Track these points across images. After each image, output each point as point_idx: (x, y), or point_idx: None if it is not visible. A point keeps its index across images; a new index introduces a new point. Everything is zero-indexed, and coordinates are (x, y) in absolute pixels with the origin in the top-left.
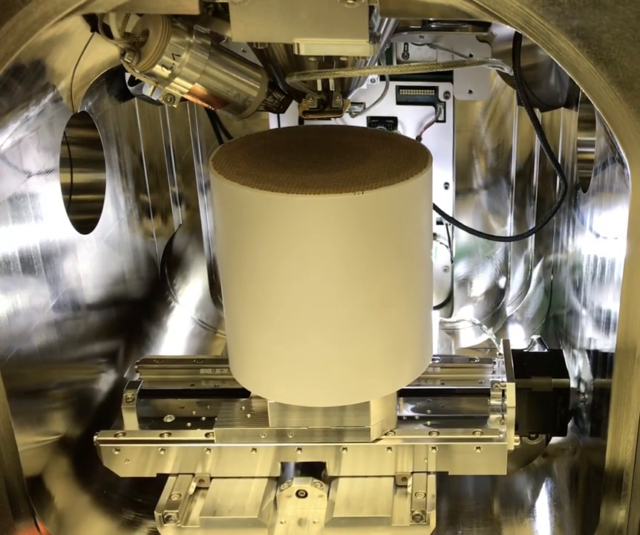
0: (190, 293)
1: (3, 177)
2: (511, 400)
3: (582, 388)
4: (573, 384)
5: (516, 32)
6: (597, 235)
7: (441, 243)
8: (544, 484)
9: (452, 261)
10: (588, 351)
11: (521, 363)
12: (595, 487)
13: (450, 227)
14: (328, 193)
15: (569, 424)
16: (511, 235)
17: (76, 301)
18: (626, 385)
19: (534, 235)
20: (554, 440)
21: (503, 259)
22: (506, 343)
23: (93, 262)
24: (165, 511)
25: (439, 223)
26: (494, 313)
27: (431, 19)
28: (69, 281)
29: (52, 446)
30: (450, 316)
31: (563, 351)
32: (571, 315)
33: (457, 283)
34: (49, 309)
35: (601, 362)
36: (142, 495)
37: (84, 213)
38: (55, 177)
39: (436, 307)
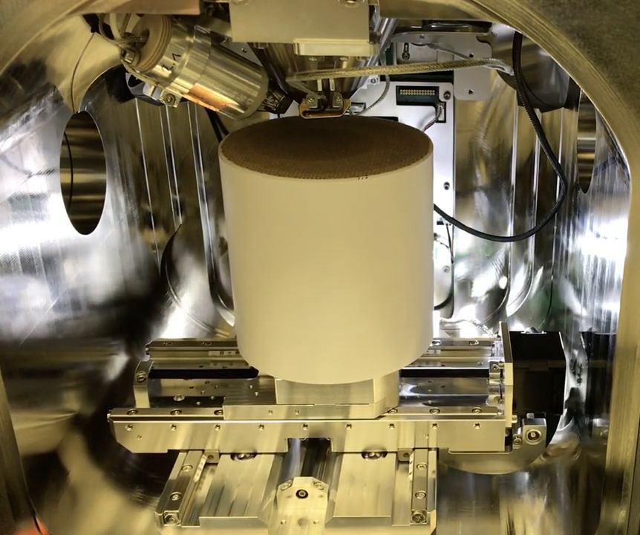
0: (190, 293)
1: (3, 178)
2: (509, 379)
3: (582, 387)
4: (574, 385)
5: (516, 32)
6: (597, 235)
7: (441, 243)
8: (544, 484)
9: (452, 262)
10: (588, 351)
11: (519, 345)
12: (595, 487)
13: (450, 227)
14: (333, 178)
15: (570, 424)
16: (512, 235)
17: (77, 301)
18: (626, 385)
19: (534, 235)
20: (554, 440)
21: (504, 259)
22: (504, 325)
23: (93, 262)
24: (166, 511)
25: (439, 223)
26: (494, 314)
27: (431, 19)
28: (69, 281)
29: (53, 447)
30: (450, 316)
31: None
32: (571, 315)
33: (458, 283)
34: (49, 309)
35: (601, 362)
36: (152, 473)
37: (84, 213)
38: (55, 178)
39: (437, 308)
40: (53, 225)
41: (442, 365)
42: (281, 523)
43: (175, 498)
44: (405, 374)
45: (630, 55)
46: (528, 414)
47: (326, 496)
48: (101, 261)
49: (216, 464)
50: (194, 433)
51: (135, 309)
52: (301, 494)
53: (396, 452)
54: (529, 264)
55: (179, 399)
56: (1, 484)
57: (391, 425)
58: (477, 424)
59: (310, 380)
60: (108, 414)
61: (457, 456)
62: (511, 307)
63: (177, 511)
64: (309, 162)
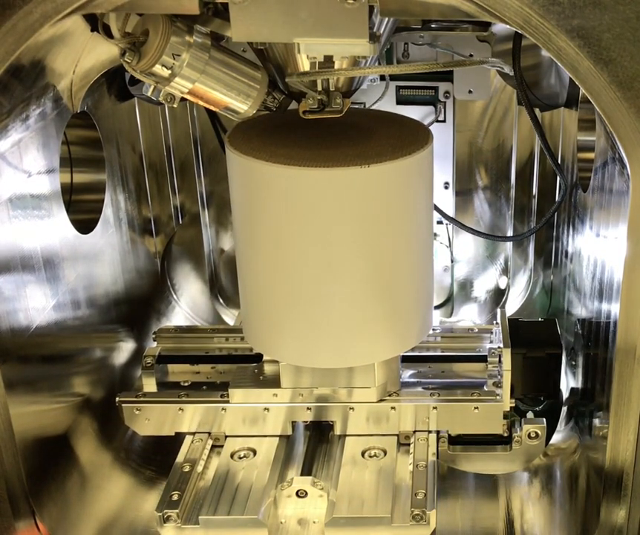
0: (190, 293)
1: (3, 177)
2: (507, 363)
3: (582, 387)
4: (574, 384)
5: (516, 32)
6: (597, 235)
7: (441, 243)
8: (544, 484)
9: (452, 261)
10: (588, 351)
11: (516, 331)
12: (595, 487)
13: (450, 227)
14: (336, 166)
15: (570, 424)
16: (511, 235)
17: (76, 300)
18: (626, 385)
19: (534, 235)
20: (554, 439)
21: (503, 259)
22: (503, 312)
23: (93, 262)
24: (165, 511)
25: (439, 223)
26: (494, 314)
27: (431, 19)
28: (69, 281)
29: (53, 447)
30: (450, 316)
31: (564, 351)
32: (571, 315)
33: (457, 283)
34: (49, 309)
35: (600, 362)
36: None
37: (84, 213)
38: (55, 177)
39: (437, 307)
40: (53, 225)
41: (442, 352)
42: (281, 523)
43: (175, 497)
44: (406, 360)
45: (630, 55)
46: (528, 414)
47: (325, 496)
48: (101, 261)
49: (222, 446)
50: (201, 416)
51: (134, 308)
52: (301, 494)
53: (397, 435)
54: (528, 264)
55: (185, 384)
56: (1, 484)
57: (392, 408)
58: (475, 407)
59: (314, 364)
60: (117, 398)
61: (457, 456)
62: (511, 307)
63: (177, 511)
64: (313, 151)
